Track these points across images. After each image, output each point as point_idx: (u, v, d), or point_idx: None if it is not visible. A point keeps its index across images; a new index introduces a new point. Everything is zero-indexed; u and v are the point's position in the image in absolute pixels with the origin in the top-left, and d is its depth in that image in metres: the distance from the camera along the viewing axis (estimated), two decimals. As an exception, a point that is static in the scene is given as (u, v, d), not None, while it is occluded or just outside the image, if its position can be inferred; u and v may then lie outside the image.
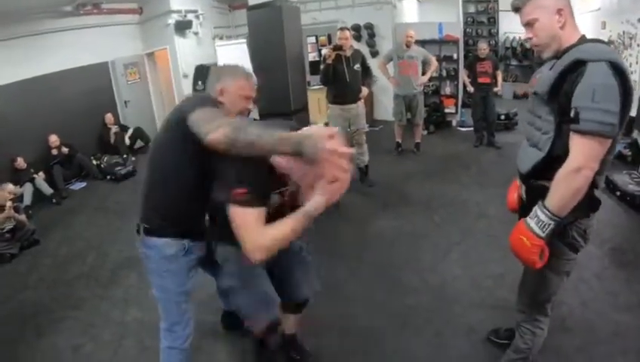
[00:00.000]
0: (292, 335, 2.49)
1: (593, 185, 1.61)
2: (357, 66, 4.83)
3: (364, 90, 4.98)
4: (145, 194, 1.95)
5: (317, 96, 7.53)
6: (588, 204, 1.67)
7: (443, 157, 6.23)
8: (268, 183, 1.66)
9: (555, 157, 1.63)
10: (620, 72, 1.48)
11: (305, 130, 1.57)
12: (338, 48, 4.73)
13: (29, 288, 3.98)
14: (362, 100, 5.03)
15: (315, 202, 1.52)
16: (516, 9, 1.75)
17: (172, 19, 7.76)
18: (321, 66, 4.93)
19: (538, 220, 1.63)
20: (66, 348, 3.02)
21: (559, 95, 1.60)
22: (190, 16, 8.02)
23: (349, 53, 4.79)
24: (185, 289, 2.05)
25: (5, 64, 6.26)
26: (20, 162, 6.22)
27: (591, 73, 1.49)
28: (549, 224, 1.61)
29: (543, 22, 1.65)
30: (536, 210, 1.65)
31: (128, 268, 3.93)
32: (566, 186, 1.55)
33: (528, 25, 1.71)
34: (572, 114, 1.52)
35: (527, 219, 1.68)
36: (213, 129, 1.46)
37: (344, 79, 4.75)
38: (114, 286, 3.75)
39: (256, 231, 1.53)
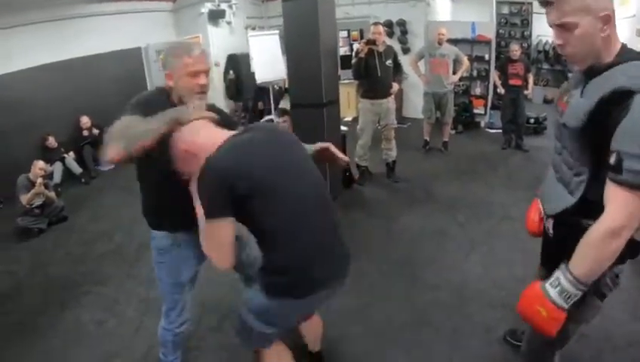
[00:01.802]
0: (319, 353, 2.40)
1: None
2: (389, 62, 4.83)
3: (395, 86, 4.98)
4: (140, 193, 2.04)
5: (347, 90, 7.55)
6: (628, 252, 1.32)
7: (470, 158, 6.17)
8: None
9: (590, 202, 1.33)
10: None
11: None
12: (371, 43, 4.74)
13: (56, 263, 4.10)
14: (393, 96, 5.03)
15: None
16: (547, 2, 1.34)
17: (206, 8, 7.84)
18: (354, 60, 4.94)
19: (562, 290, 1.33)
20: (89, 321, 3.11)
21: (596, 131, 1.27)
22: (224, 6, 8.10)
23: (381, 48, 4.79)
24: (177, 281, 2.09)
25: (41, 46, 6.43)
26: (51, 141, 6.40)
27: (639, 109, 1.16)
28: (576, 294, 1.32)
29: (583, 29, 1.27)
30: (560, 277, 1.35)
31: (154, 247, 3.99)
32: (599, 252, 1.26)
33: (562, 28, 1.31)
34: (612, 160, 1.20)
35: (547, 286, 1.37)
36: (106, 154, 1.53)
37: (376, 74, 4.76)
38: (139, 265, 3.82)
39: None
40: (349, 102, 7.96)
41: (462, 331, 2.71)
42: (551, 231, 1.61)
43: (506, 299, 2.95)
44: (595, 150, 1.31)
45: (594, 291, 1.44)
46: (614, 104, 1.20)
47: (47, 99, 6.55)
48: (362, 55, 4.70)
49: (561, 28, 1.31)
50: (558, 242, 1.54)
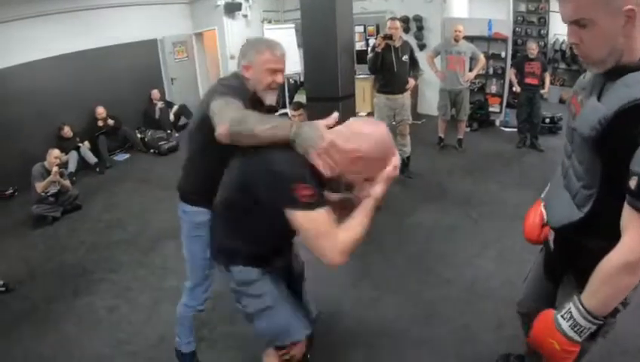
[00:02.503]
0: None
1: None
2: (405, 57, 4.79)
3: (411, 82, 4.94)
4: (183, 164, 2.10)
5: (362, 85, 7.54)
6: None
7: (484, 155, 6.11)
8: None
9: (598, 219, 1.22)
10: None
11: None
12: (388, 38, 4.69)
13: (70, 250, 4.16)
14: (409, 92, 5.00)
15: (375, 193, 1.47)
16: None
17: (222, 1, 7.84)
18: (370, 55, 4.90)
19: (574, 323, 1.21)
20: (101, 307, 3.17)
21: (611, 143, 1.11)
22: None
23: (398, 43, 4.75)
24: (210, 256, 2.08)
25: (58, 36, 6.52)
26: (67, 131, 6.47)
27: None
28: (589, 328, 1.20)
29: (601, 27, 1.09)
30: (572, 310, 1.22)
31: (168, 237, 4.03)
32: (615, 287, 1.14)
33: (576, 24, 1.14)
34: (633, 184, 1.03)
35: (559, 318, 1.24)
36: (218, 123, 1.52)
37: (392, 69, 4.73)
38: (153, 254, 3.87)
39: (334, 235, 1.36)
40: (365, 96, 7.93)
41: (472, 327, 2.72)
42: (552, 244, 1.53)
43: (517, 298, 2.94)
44: (608, 164, 1.16)
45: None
46: (635, 118, 1.03)
47: (64, 89, 6.64)
48: (379, 50, 4.67)
49: (576, 24, 1.13)
50: (560, 258, 1.46)
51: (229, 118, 1.49)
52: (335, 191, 1.73)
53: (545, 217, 1.58)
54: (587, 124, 1.16)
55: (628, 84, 1.07)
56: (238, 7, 8.05)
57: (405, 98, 4.96)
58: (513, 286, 3.03)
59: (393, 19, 4.84)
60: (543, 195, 1.78)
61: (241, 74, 1.90)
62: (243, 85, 1.87)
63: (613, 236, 1.12)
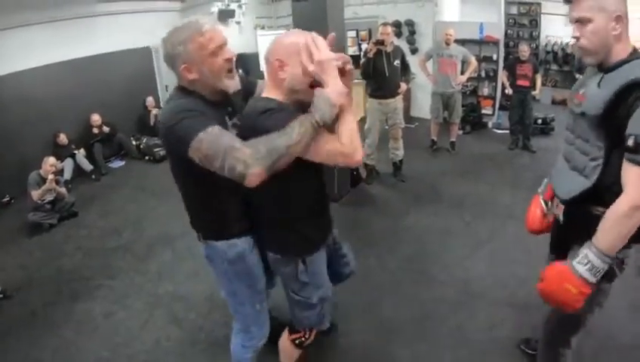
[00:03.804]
0: None
1: None
2: (397, 62, 4.84)
3: (403, 86, 4.99)
4: (184, 203, 1.83)
5: (355, 90, 7.50)
6: (634, 236, 1.45)
7: (477, 158, 6.18)
8: None
9: (603, 187, 1.48)
10: None
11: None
12: (379, 43, 4.75)
13: (66, 256, 4.19)
14: (401, 96, 5.06)
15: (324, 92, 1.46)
16: (569, 0, 1.52)
17: (215, 8, 7.88)
18: (362, 60, 4.97)
19: (591, 266, 1.44)
20: (98, 313, 3.21)
21: (612, 118, 1.43)
22: (233, 6, 8.14)
23: (389, 48, 4.80)
24: (258, 288, 1.92)
25: (53, 44, 6.49)
26: (63, 138, 6.46)
27: None
28: (603, 268, 1.44)
29: (597, 25, 1.44)
30: (587, 253, 1.45)
31: (164, 244, 4.08)
32: (622, 226, 1.39)
33: (579, 22, 1.48)
34: (630, 142, 1.35)
35: (575, 263, 1.47)
36: (241, 170, 1.35)
37: (384, 74, 4.78)
38: (149, 260, 3.90)
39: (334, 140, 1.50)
40: (357, 101, 7.99)
41: (466, 327, 2.78)
42: (561, 217, 1.73)
43: (510, 298, 3.01)
44: (610, 136, 1.45)
45: (604, 274, 1.50)
46: (630, 94, 1.36)
47: (59, 97, 6.60)
48: (370, 55, 4.74)
49: (578, 22, 1.48)
50: (569, 228, 1.66)
51: (253, 159, 1.34)
52: None
53: (545, 208, 1.88)
54: (593, 106, 1.48)
55: (621, 71, 1.42)
56: (232, 14, 8.09)
57: (397, 102, 5.02)
58: (505, 287, 3.13)
59: (385, 24, 4.91)
60: (540, 189, 1.97)
61: (184, 84, 1.60)
62: (195, 96, 1.58)
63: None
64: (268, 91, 1.60)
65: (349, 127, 1.51)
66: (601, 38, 1.45)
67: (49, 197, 4.97)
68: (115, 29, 7.32)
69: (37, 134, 6.23)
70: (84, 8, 6.93)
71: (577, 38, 1.51)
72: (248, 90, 1.83)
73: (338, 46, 4.50)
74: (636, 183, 1.36)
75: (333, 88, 1.44)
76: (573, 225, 1.60)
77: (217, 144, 1.38)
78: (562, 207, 1.72)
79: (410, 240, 3.92)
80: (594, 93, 1.50)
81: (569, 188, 1.62)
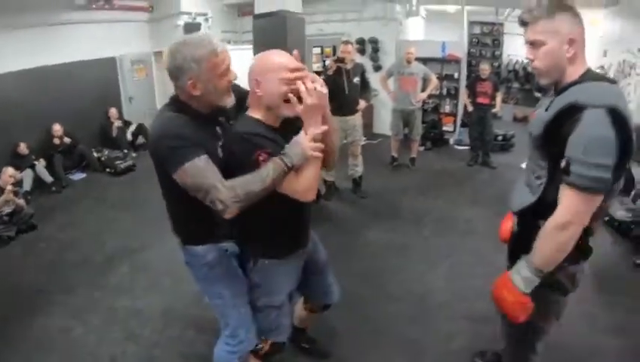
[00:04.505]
0: (305, 328, 2.66)
1: (586, 232, 1.50)
2: (356, 79, 4.93)
3: (362, 103, 5.08)
4: (166, 207, 1.87)
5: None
6: (577, 253, 1.53)
7: (437, 174, 6.32)
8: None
9: (547, 203, 1.53)
10: (619, 121, 1.34)
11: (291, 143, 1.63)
12: (340, 61, 4.85)
13: (25, 270, 4.09)
14: (360, 112, 5.13)
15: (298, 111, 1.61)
16: (524, 23, 1.57)
17: (181, 21, 7.89)
18: (322, 77, 5.03)
19: (523, 276, 1.56)
20: (56, 329, 3.13)
21: (553, 139, 1.47)
22: (200, 19, 8.16)
23: (349, 66, 4.89)
24: (240, 291, 1.93)
25: (16, 52, 6.36)
26: (23, 148, 6.29)
27: (587, 122, 1.36)
28: (534, 280, 1.54)
29: (550, 47, 1.48)
30: (520, 266, 1.58)
31: (122, 257, 4.03)
32: (551, 242, 1.47)
33: (533, 45, 1.54)
34: (563, 164, 1.41)
35: (512, 273, 1.61)
36: (218, 206, 1.52)
37: (343, 91, 4.84)
38: (107, 274, 3.84)
39: (294, 179, 1.63)
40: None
41: (422, 341, 2.82)
42: (515, 228, 1.84)
43: (468, 311, 3.08)
44: (552, 157, 1.51)
45: (554, 286, 1.64)
46: (569, 117, 1.41)
47: (20, 106, 6.44)
48: (330, 73, 4.81)
49: (532, 45, 1.53)
50: (519, 238, 1.75)
51: (231, 201, 1.51)
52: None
53: (515, 220, 1.91)
54: (536, 126, 1.56)
55: (567, 94, 1.47)
56: (198, 27, 8.07)
57: (356, 119, 5.07)
58: (462, 300, 3.20)
59: (346, 42, 5.00)
60: None
61: (182, 97, 1.65)
62: (189, 110, 1.64)
63: None
64: (251, 109, 1.73)
65: (311, 173, 1.64)
66: (554, 60, 1.50)
67: (7, 209, 4.83)
68: (80, 39, 7.23)
69: None
70: (48, 16, 6.84)
71: (531, 60, 1.57)
72: (240, 98, 1.85)
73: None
74: (564, 203, 1.44)
75: (310, 137, 1.60)
76: (524, 236, 1.66)
77: (201, 180, 1.52)
78: (515, 218, 1.84)
79: (367, 257, 3.97)
80: (541, 114, 1.58)
81: (519, 201, 1.71)
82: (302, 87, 1.57)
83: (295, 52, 1.69)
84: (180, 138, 1.55)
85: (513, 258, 1.76)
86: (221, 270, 1.88)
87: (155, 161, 1.65)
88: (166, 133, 1.57)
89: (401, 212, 4.95)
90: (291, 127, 1.71)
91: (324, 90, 1.60)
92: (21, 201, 5.03)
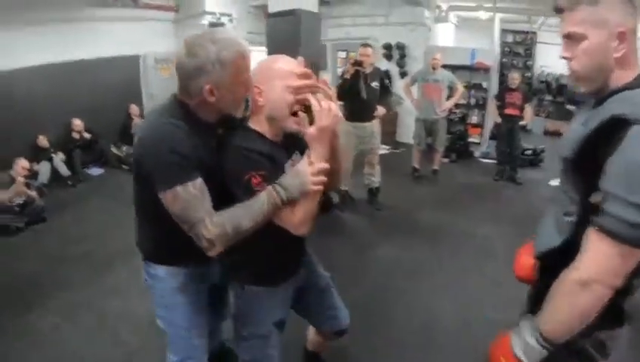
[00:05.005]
0: (318, 353, 2.48)
1: (622, 292, 1.08)
2: (375, 84, 4.69)
3: (380, 110, 4.82)
4: (136, 216, 1.68)
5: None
6: (608, 318, 1.11)
7: (459, 188, 6.03)
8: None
9: (577, 249, 1.11)
10: None
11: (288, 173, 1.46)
12: (358, 64, 4.60)
13: (27, 262, 4.12)
14: (377, 119, 4.88)
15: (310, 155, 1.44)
16: (559, 10, 1.18)
17: (205, 21, 7.84)
18: (339, 81, 4.84)
19: (525, 343, 1.17)
20: (47, 326, 3.11)
21: (590, 164, 1.07)
22: (224, 20, 8.10)
23: (368, 70, 4.66)
24: (199, 321, 1.77)
25: (40, 46, 6.49)
26: (42, 140, 6.42)
27: (634, 144, 0.96)
28: (538, 352, 1.14)
29: (592, 43, 1.10)
30: (524, 326, 1.20)
31: (123, 258, 3.93)
32: (566, 303, 1.08)
33: (570, 39, 1.16)
34: (595, 198, 1.04)
35: (514, 337, 1.22)
36: (203, 244, 1.35)
37: (360, 96, 4.61)
38: (106, 274, 3.79)
39: (288, 210, 1.44)
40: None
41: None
42: (537, 274, 1.43)
43: (475, 344, 2.78)
44: (587, 187, 1.10)
45: (574, 356, 1.22)
46: (610, 134, 1.02)
47: (43, 99, 6.56)
48: (347, 76, 4.59)
49: (569, 39, 1.16)
50: (540, 290, 1.32)
51: (219, 240, 1.34)
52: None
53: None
54: (567, 147, 1.16)
55: (610, 103, 1.07)
56: (222, 27, 8.01)
57: (374, 126, 4.83)
58: (472, 331, 2.94)
59: (365, 45, 4.75)
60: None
61: (189, 101, 1.43)
62: (191, 116, 1.44)
63: None
64: (252, 119, 1.54)
65: (308, 207, 1.45)
66: (597, 59, 1.11)
67: (18, 200, 4.92)
68: (105, 36, 7.31)
69: (18, 135, 6.20)
70: (74, 12, 6.93)
71: (568, 59, 1.18)
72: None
73: (313, 64, 4.43)
74: (590, 252, 1.05)
75: (315, 170, 1.40)
76: (545, 287, 1.26)
77: (189, 211, 1.34)
78: (538, 262, 1.42)
79: (374, 274, 3.73)
80: (575, 129, 1.17)
81: (540, 244, 1.32)
82: (315, 104, 1.38)
83: (300, 58, 1.51)
84: (178, 154, 1.33)
85: (534, 308, 1.34)
86: (185, 298, 1.69)
87: (139, 169, 1.44)
88: (162, 144, 1.34)
89: (416, 227, 4.69)
90: (293, 139, 1.56)
91: (339, 112, 1.41)
92: (33, 193, 5.12)
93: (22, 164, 5.14)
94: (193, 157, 1.35)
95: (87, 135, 6.89)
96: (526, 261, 1.51)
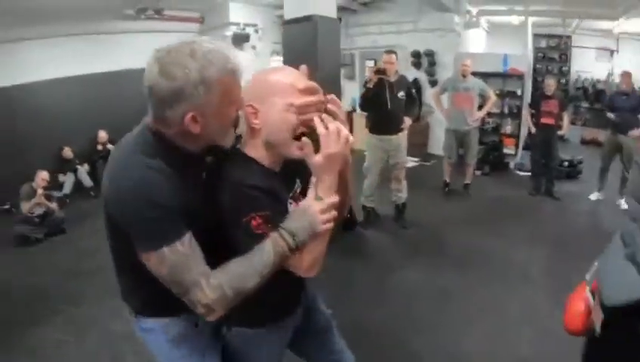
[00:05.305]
0: None
1: None
2: (401, 94, 4.42)
3: (407, 121, 4.56)
4: (115, 269, 1.40)
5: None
6: None
7: (493, 204, 5.67)
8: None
9: None
10: None
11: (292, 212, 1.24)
12: (381, 72, 4.32)
13: (41, 275, 4.16)
14: (405, 132, 4.61)
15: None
16: None
17: (230, 32, 7.76)
18: (362, 90, 4.58)
19: None
20: (52, 340, 3.08)
21: None
22: (249, 30, 8.00)
23: (393, 78, 4.39)
24: None
25: (68, 58, 6.64)
26: (67, 152, 6.56)
27: None
28: None
29: None
30: None
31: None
32: None
33: None
34: None
35: None
36: (203, 311, 1.12)
37: (385, 106, 4.35)
38: (117, 291, 3.59)
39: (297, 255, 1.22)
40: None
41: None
42: (598, 328, 1.17)
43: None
44: None
45: None
46: None
47: (69, 111, 6.72)
48: (370, 85, 4.31)
49: None
50: (606, 349, 1.11)
51: (218, 305, 1.12)
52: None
53: (592, 301, 1.27)
54: (622, 291, 0.97)
55: None
56: (246, 38, 7.92)
57: (400, 138, 4.55)
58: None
59: (389, 52, 4.48)
60: (588, 276, 1.41)
61: (165, 132, 1.14)
62: (172, 152, 1.15)
63: None
64: (246, 144, 1.28)
65: (319, 248, 1.24)
66: None
67: (38, 211, 5.05)
68: (130, 48, 7.34)
69: (44, 145, 6.37)
70: (100, 25, 7.06)
71: None
72: None
73: (332, 72, 4.20)
74: None
75: (324, 207, 1.19)
76: (614, 347, 1.05)
77: (181, 274, 1.10)
78: (602, 315, 1.15)
79: (397, 300, 3.45)
80: (621, 272, 1.04)
81: (619, 289, 1.08)
82: (320, 127, 1.14)
83: (303, 67, 1.27)
84: (162, 208, 1.07)
85: None
86: (185, 350, 1.42)
87: (113, 221, 1.16)
88: (141, 197, 1.06)
89: (445, 248, 4.35)
90: (294, 164, 1.31)
91: (350, 136, 1.18)
92: (53, 205, 5.22)
93: (42, 175, 5.19)
94: (179, 206, 1.09)
95: (110, 146, 6.89)
96: (577, 312, 1.28)
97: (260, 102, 1.20)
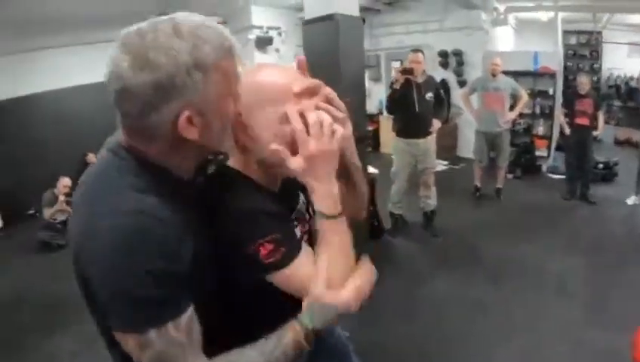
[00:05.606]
0: None
1: None
2: (429, 95, 4.24)
3: (436, 124, 4.36)
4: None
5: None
6: None
7: (526, 209, 5.41)
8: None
9: None
10: None
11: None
12: (408, 72, 4.13)
13: (60, 282, 4.03)
14: (433, 135, 4.42)
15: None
16: None
17: (253, 35, 7.66)
18: (388, 92, 4.41)
19: None
20: (67, 351, 3.11)
21: None
22: (272, 33, 7.88)
23: (420, 79, 4.21)
24: None
25: (88, 66, 6.53)
26: (91, 158, 6.45)
27: None
28: None
29: None
30: None
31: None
32: None
33: None
34: None
35: None
36: None
37: (412, 109, 4.17)
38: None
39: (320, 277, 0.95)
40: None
41: None
42: None
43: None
44: None
45: None
46: None
47: (91, 118, 6.64)
48: (397, 87, 4.13)
49: None
50: None
51: None
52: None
53: None
54: None
55: None
56: (270, 41, 7.80)
57: (429, 142, 4.36)
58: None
59: (415, 51, 4.29)
60: None
61: (149, 152, 0.85)
62: (160, 182, 0.84)
63: None
64: (237, 161, 1.05)
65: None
66: None
67: (61, 217, 5.17)
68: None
69: (67, 152, 6.43)
70: (118, 32, 7.00)
71: None
72: None
73: (355, 72, 4.01)
74: None
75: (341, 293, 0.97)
76: None
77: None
78: None
79: (426, 312, 3.30)
80: None
81: None
82: (296, 121, 0.90)
83: (300, 58, 1.06)
84: (160, 276, 0.75)
85: None
86: None
87: (89, 285, 0.80)
88: (130, 261, 0.74)
89: (477, 257, 4.14)
90: (292, 181, 1.06)
91: (347, 128, 0.97)
92: None
93: (64, 182, 5.26)
94: (184, 267, 0.79)
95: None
96: None
97: (248, 112, 0.95)
